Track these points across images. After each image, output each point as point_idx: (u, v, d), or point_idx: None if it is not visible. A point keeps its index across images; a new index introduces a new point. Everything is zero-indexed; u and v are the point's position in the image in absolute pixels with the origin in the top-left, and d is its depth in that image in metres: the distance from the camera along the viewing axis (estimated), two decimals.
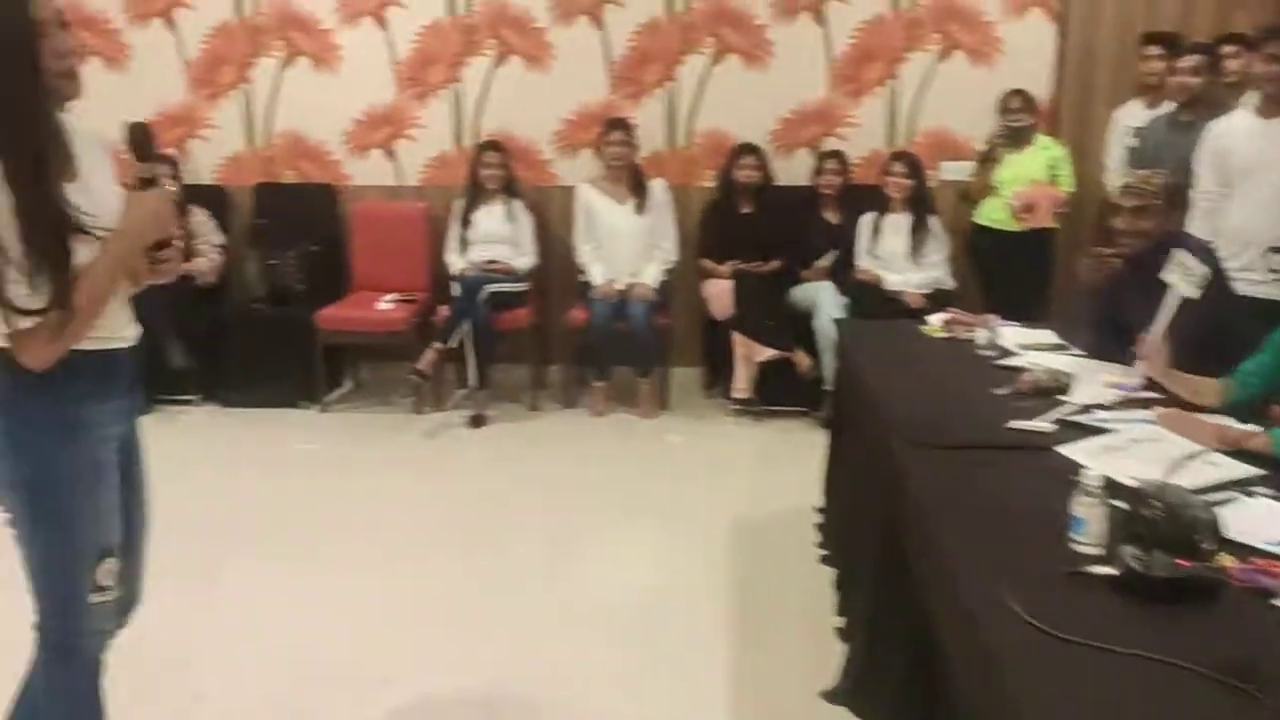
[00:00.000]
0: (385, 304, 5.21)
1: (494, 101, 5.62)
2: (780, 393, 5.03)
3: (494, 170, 5.27)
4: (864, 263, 5.12)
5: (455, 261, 5.27)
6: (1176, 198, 3.09)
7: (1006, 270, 5.07)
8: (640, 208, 5.26)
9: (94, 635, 1.84)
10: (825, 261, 5.10)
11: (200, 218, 5.31)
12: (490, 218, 5.28)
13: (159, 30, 5.64)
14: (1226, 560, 1.76)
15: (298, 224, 5.44)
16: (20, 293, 1.62)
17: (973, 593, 1.72)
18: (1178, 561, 1.69)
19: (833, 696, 2.61)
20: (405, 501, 4.10)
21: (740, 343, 4.99)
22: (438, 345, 4.90)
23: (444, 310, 5.05)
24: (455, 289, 5.10)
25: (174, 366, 4.95)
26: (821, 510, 3.72)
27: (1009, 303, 4.69)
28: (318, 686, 2.78)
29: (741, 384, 5.03)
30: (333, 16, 5.56)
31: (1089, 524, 1.82)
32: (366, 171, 5.70)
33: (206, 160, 5.73)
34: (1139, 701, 1.41)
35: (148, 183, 1.84)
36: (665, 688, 2.77)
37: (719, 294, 5.10)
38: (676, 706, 2.69)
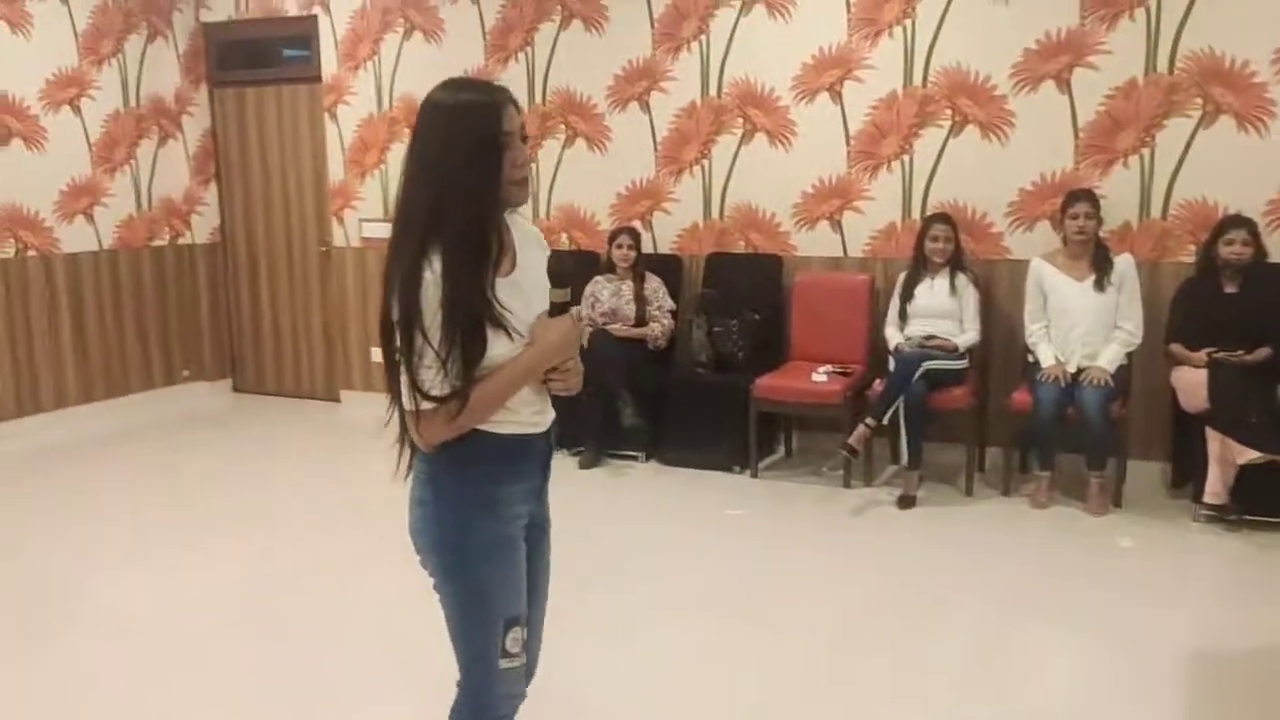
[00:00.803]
0: (820, 375, 5.23)
1: (946, 172, 5.47)
2: (1264, 501, 4.35)
3: (940, 243, 5.11)
4: None
5: (893, 335, 5.18)
6: None
7: None
8: (1101, 284, 4.83)
9: (504, 699, 1.99)
10: None
11: (655, 285, 5.69)
12: (933, 291, 5.12)
13: (635, 112, 6.14)
14: None
15: (743, 293, 5.64)
16: (429, 377, 1.79)
17: None
18: None
19: None
20: (824, 574, 4.06)
21: (1215, 440, 4.38)
22: (869, 421, 4.82)
23: (878, 385, 4.97)
24: (891, 364, 5.00)
25: (625, 425, 5.32)
26: None
27: None
28: None
29: (1216, 487, 4.41)
30: (790, 93, 5.73)
31: None
32: (812, 243, 5.79)
33: (667, 231, 6.14)
34: None
35: (561, 308, 1.93)
36: None
37: (1191, 384, 4.52)
38: None
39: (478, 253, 1.81)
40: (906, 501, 4.82)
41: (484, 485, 1.91)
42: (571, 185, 6.33)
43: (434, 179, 1.79)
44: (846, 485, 5.10)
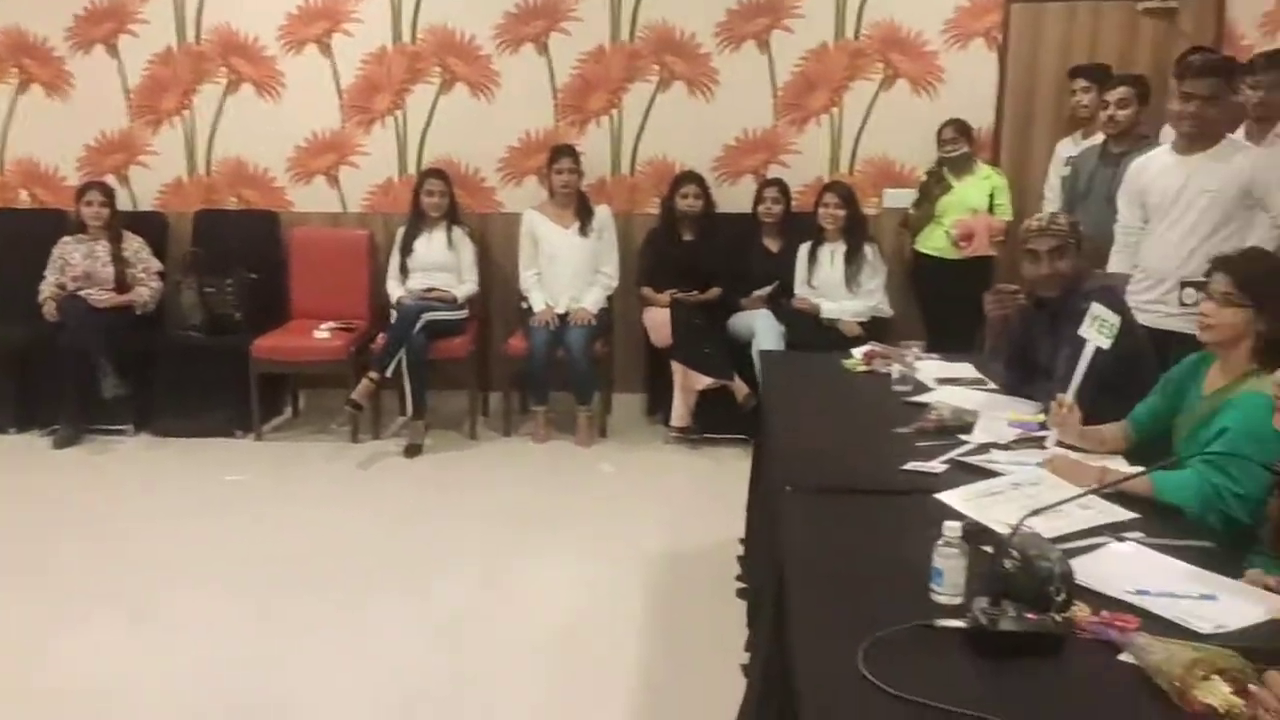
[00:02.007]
0: (323, 332, 5.18)
1: (438, 129, 5.61)
2: (719, 421, 5.03)
3: (436, 198, 5.25)
4: (801, 292, 5.13)
5: (394, 289, 5.26)
6: (1080, 236, 3.10)
7: (946, 298, 5.07)
8: (584, 231, 5.26)
9: None
10: (764, 291, 5.10)
11: (136, 245, 5.27)
12: (431, 245, 5.26)
13: (101, 57, 5.61)
14: (1081, 611, 1.75)
15: (238, 251, 5.40)
16: None
17: (816, 643, 1.71)
18: (1028, 614, 1.68)
19: None
20: (336, 530, 4.07)
21: (678, 371, 4.98)
22: (373, 375, 4.87)
23: (382, 338, 5.03)
24: (393, 317, 5.08)
25: (107, 396, 4.90)
26: (743, 541, 3.70)
27: (948, 331, 4.73)
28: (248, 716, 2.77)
29: (680, 412, 5.02)
30: (276, 44, 5.55)
31: (946, 575, 1.81)
32: (310, 198, 5.68)
33: (147, 187, 5.70)
34: None
35: None
36: (562, 716, 2.77)
37: (658, 322, 5.09)
38: None
39: None
40: (413, 450, 4.95)
41: None
42: (29, 136, 5.64)
43: None
44: (355, 440, 5.12)
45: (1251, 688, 1.44)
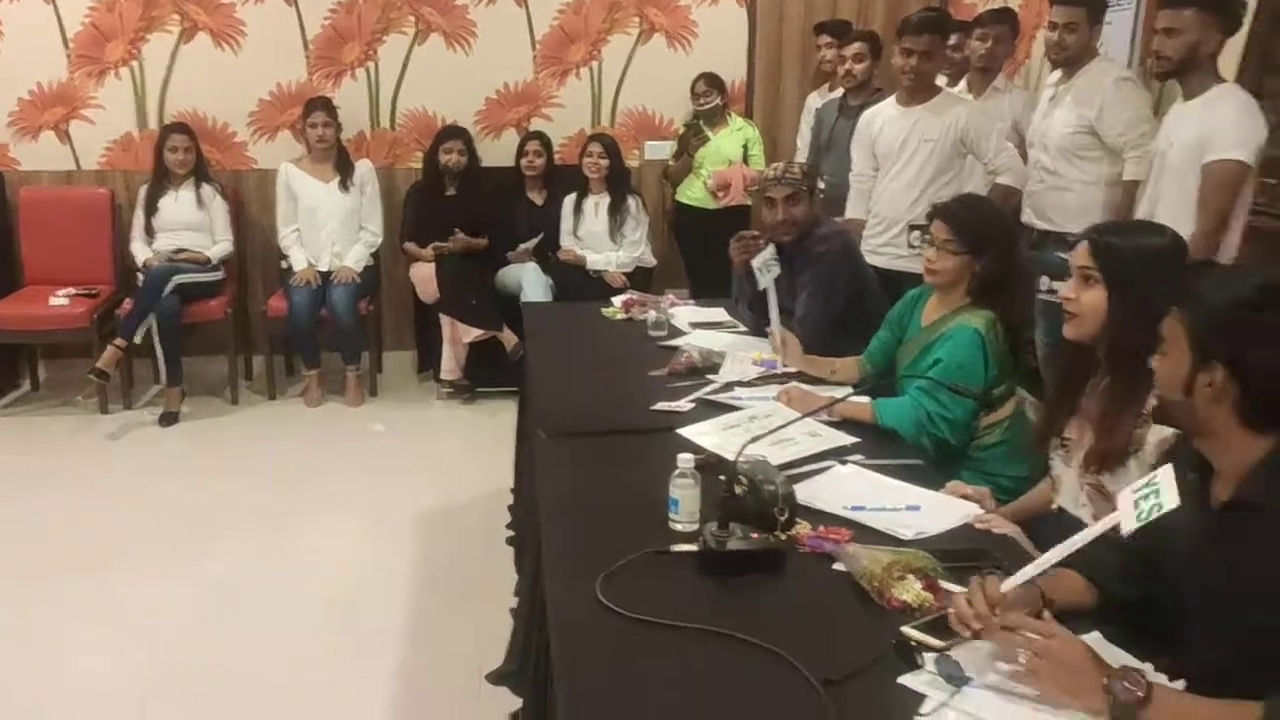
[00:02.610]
0: (60, 299, 4.85)
1: (180, 81, 5.31)
2: (490, 375, 5.05)
3: (180, 154, 4.98)
4: (567, 244, 5.21)
5: (140, 251, 4.97)
6: (815, 184, 3.31)
7: (706, 247, 5.25)
8: (345, 186, 5.13)
9: None
10: (529, 244, 5.14)
11: None
12: (179, 204, 5.00)
13: None
14: (803, 529, 1.92)
15: None
16: None
17: (565, 576, 1.81)
18: (753, 534, 1.83)
19: (495, 677, 2.65)
20: (87, 507, 3.86)
21: (447, 324, 4.97)
22: (119, 342, 4.61)
23: (128, 303, 4.75)
24: (140, 280, 4.81)
25: None
26: (513, 490, 3.77)
27: (708, 278, 4.93)
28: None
29: (450, 365, 5.02)
30: None
31: (682, 504, 1.94)
32: (38, 156, 5.27)
33: None
34: (690, 669, 1.52)
35: None
36: (336, 676, 2.78)
37: (424, 277, 5.05)
38: (346, 694, 2.69)
39: None
40: (169, 419, 4.73)
41: None
42: None
43: None
44: (104, 411, 4.83)
45: (953, 594, 1.59)
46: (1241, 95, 3.03)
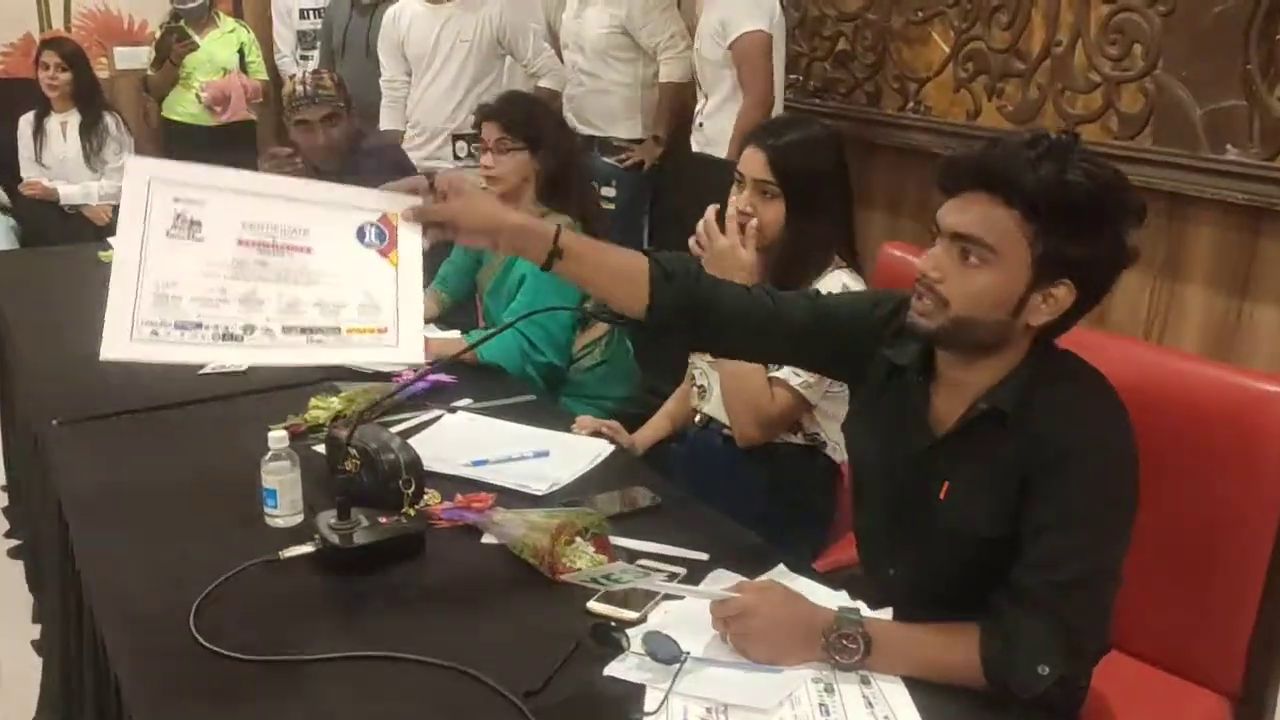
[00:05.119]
0: None
1: None
2: None
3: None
4: (30, 174, 4.26)
5: None
6: (349, 97, 2.91)
7: None
8: None
9: None
10: None
11: None
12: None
13: None
14: (434, 500, 1.62)
15: None
16: None
17: (132, 608, 1.37)
18: (380, 519, 1.49)
19: None
20: None
21: None
22: None
23: None
24: None
25: None
26: (5, 489, 3.02)
27: None
28: None
29: None
30: None
31: (281, 493, 1.55)
32: None
33: None
34: (347, 714, 1.18)
35: None
36: None
37: None
38: None
39: None
40: None
41: None
42: None
43: None
44: None
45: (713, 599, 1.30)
46: None
